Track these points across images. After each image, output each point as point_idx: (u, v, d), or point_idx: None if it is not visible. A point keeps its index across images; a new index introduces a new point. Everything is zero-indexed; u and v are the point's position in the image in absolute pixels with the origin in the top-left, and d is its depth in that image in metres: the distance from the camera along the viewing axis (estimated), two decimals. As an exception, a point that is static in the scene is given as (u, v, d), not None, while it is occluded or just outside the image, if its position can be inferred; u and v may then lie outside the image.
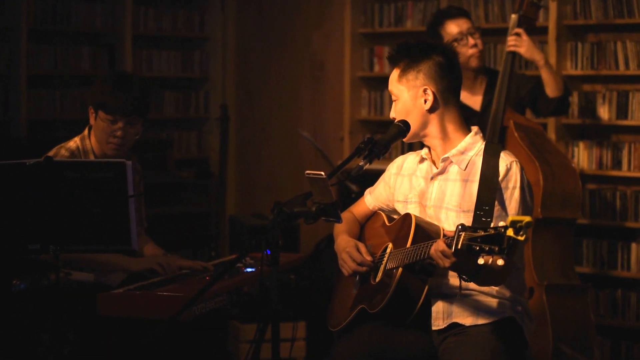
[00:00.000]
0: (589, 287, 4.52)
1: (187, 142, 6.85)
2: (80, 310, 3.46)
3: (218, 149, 6.46)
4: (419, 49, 3.07)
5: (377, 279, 3.08)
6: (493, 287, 3.01)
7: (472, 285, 2.96)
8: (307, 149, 6.36)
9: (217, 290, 3.33)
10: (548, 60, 4.52)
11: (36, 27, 5.99)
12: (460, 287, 2.98)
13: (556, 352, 4.20)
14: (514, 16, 4.51)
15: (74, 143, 3.74)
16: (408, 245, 2.98)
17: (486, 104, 4.51)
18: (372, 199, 3.33)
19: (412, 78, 3.04)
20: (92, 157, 3.72)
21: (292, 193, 2.95)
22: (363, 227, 3.35)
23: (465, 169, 3.04)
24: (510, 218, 2.57)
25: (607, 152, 5.29)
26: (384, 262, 3.09)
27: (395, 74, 3.09)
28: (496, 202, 2.93)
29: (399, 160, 3.26)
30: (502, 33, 4.59)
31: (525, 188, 3.00)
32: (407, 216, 3.09)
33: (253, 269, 3.59)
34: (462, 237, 2.67)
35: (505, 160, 3.00)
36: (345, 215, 3.33)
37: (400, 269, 2.97)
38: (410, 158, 3.23)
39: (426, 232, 3.00)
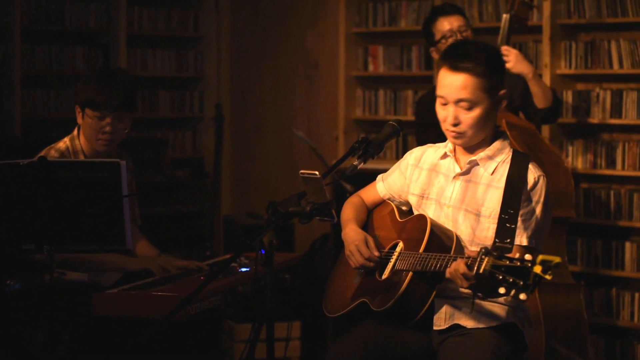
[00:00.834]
0: (582, 285, 4.53)
1: (182, 142, 6.84)
2: (75, 310, 3.46)
3: (213, 149, 6.46)
4: (493, 54, 3.02)
5: (384, 276, 3.05)
6: None
7: None
8: (301, 149, 6.36)
9: (211, 290, 3.32)
10: (536, 73, 4.51)
11: (30, 27, 5.98)
12: (472, 303, 2.93)
13: (549, 351, 4.21)
14: (505, 16, 4.51)
15: (63, 144, 3.73)
16: (421, 250, 2.95)
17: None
18: (385, 187, 3.27)
19: (496, 85, 2.98)
20: (82, 157, 3.70)
21: (286, 192, 2.94)
22: (371, 213, 3.29)
23: (492, 174, 3.01)
24: (540, 257, 2.53)
25: (601, 151, 5.29)
26: (392, 260, 3.05)
27: (473, 80, 2.94)
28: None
29: (417, 151, 3.21)
30: (496, 32, 4.59)
31: (548, 205, 2.98)
32: (422, 218, 3.05)
33: (248, 269, 3.58)
34: (485, 262, 2.61)
35: (533, 172, 2.98)
36: (353, 199, 3.30)
37: (410, 273, 2.93)
38: (430, 151, 3.17)
39: (440, 240, 2.97)
